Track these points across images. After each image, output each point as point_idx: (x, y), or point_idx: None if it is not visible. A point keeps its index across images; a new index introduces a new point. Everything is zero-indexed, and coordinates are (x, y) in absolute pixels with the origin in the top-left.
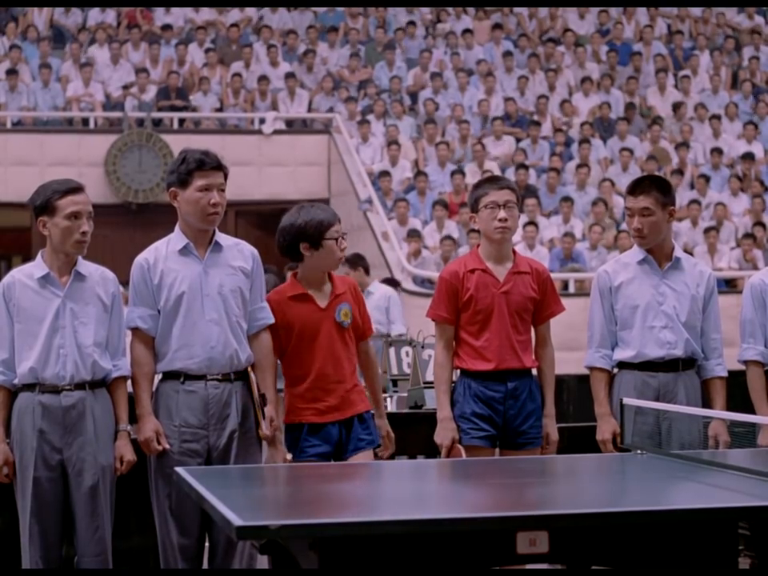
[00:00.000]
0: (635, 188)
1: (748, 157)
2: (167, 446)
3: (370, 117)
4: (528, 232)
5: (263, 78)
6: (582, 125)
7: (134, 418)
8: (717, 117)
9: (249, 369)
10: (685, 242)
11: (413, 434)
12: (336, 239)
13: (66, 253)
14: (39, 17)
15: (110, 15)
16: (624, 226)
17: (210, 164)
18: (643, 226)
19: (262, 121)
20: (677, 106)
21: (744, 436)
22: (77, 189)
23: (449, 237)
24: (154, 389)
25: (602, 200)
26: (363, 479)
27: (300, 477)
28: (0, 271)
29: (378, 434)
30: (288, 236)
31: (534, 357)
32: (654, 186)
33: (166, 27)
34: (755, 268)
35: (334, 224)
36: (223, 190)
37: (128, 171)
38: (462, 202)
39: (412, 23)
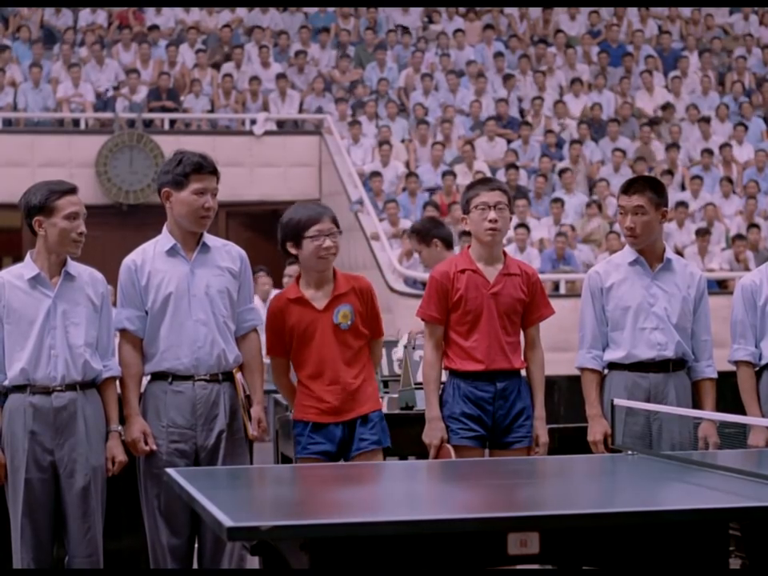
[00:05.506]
0: (629, 187)
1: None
2: (154, 447)
3: (361, 118)
4: (519, 234)
5: (254, 79)
6: (578, 124)
7: (123, 419)
8: (706, 120)
9: (234, 371)
10: (675, 243)
11: (404, 435)
12: (314, 238)
13: (62, 253)
14: (30, 17)
15: (101, 16)
16: (616, 227)
17: (207, 168)
18: (636, 225)
19: (253, 122)
20: (667, 107)
21: (734, 437)
22: (73, 189)
23: None
24: (142, 390)
25: (594, 201)
26: (354, 480)
27: (291, 478)
28: None
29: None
30: (279, 234)
31: (523, 359)
32: (647, 186)
33: (157, 28)
34: (746, 269)
35: (314, 223)
36: (216, 195)
37: (119, 172)
38: (453, 203)
39: (407, 31)
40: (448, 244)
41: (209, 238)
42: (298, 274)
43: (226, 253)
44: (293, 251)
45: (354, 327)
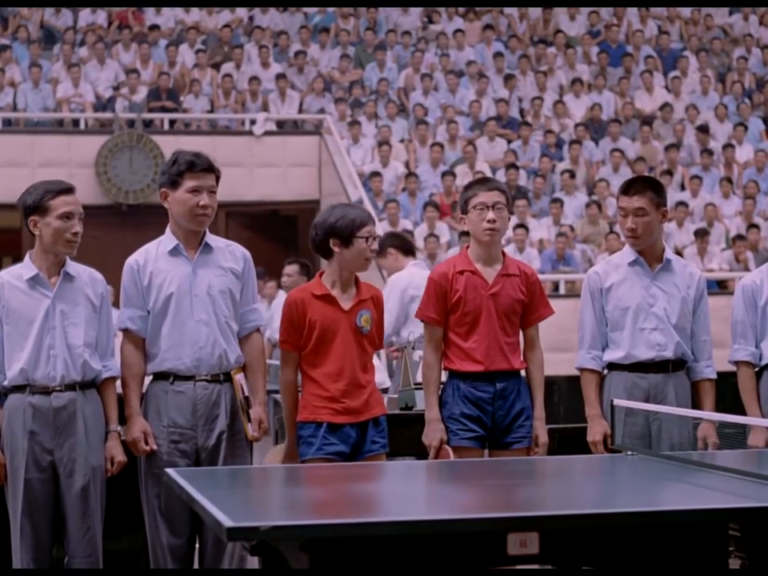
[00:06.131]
0: (629, 188)
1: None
2: (155, 447)
3: (361, 118)
4: (518, 234)
5: (254, 79)
6: (576, 126)
7: (123, 419)
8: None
9: (232, 372)
10: (675, 243)
11: (403, 436)
12: (366, 239)
13: (57, 253)
14: (30, 17)
15: (101, 16)
16: (616, 227)
17: (200, 166)
18: (637, 226)
19: (253, 122)
20: (664, 107)
21: (734, 437)
22: (69, 189)
23: (432, 235)
24: (144, 390)
25: (594, 202)
26: (354, 480)
27: (290, 478)
28: None
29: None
30: (320, 231)
31: (522, 359)
32: (648, 186)
33: (157, 28)
34: (746, 269)
35: (366, 224)
36: (214, 192)
37: (119, 172)
38: (454, 203)
39: (407, 33)
40: (405, 251)
41: (211, 239)
42: (321, 271)
43: (230, 253)
44: (335, 249)
45: (370, 334)
